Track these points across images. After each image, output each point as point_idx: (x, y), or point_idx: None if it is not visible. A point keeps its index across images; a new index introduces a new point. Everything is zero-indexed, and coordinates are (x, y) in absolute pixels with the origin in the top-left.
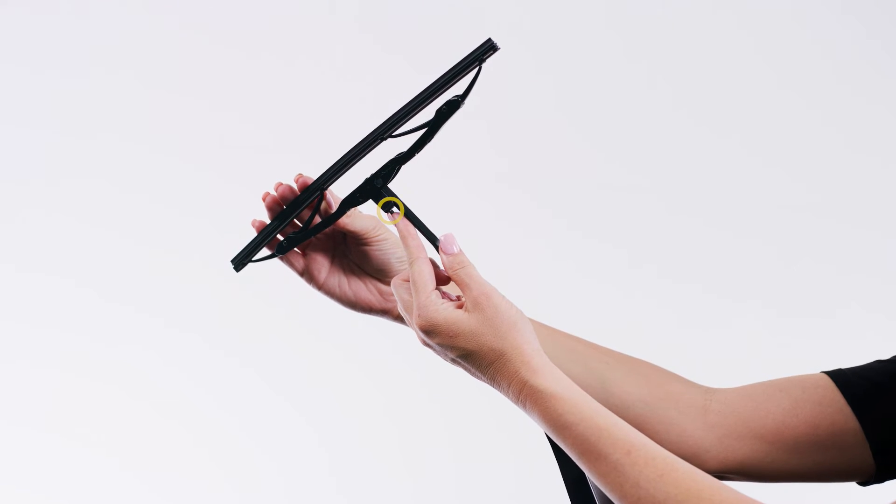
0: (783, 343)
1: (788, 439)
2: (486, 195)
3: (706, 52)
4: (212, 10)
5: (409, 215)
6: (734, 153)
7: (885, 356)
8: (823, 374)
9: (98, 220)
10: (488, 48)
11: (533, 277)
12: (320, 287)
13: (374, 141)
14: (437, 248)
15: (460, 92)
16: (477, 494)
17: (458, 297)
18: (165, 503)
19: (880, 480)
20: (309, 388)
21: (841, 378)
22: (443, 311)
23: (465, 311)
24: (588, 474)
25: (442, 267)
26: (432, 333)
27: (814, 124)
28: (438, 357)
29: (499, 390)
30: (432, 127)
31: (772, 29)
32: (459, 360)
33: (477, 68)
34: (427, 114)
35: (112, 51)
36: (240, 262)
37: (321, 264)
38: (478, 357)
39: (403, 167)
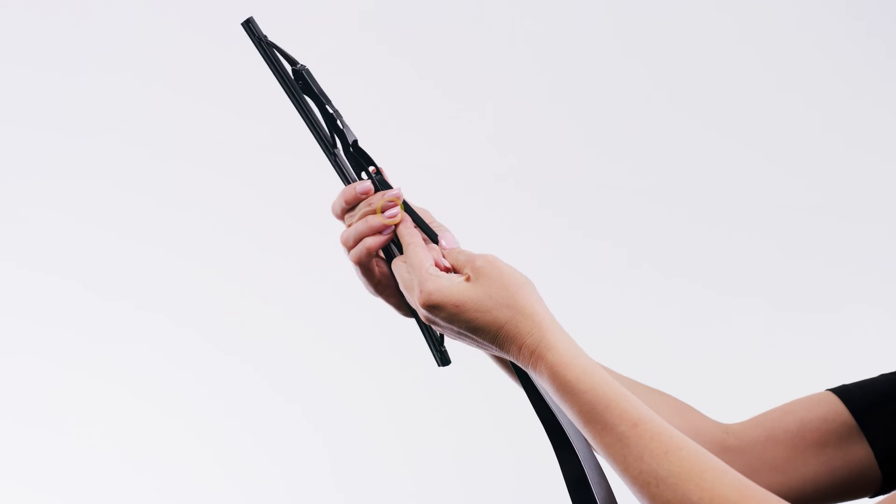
0: (783, 340)
1: (800, 466)
2: (485, 195)
3: (706, 52)
4: (212, 10)
5: (408, 210)
6: (734, 152)
7: (889, 362)
8: (827, 391)
9: (99, 220)
10: (250, 28)
11: (532, 277)
12: (381, 294)
13: (333, 156)
14: (436, 241)
15: (289, 66)
16: (477, 494)
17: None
18: (166, 501)
19: (886, 490)
20: (309, 387)
21: (845, 393)
22: (445, 283)
23: (469, 281)
24: (591, 443)
25: (442, 260)
26: (437, 308)
27: (813, 124)
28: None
29: (507, 355)
30: (316, 98)
31: (772, 29)
32: (465, 333)
33: (267, 47)
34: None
35: (112, 51)
36: (442, 357)
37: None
38: (485, 326)
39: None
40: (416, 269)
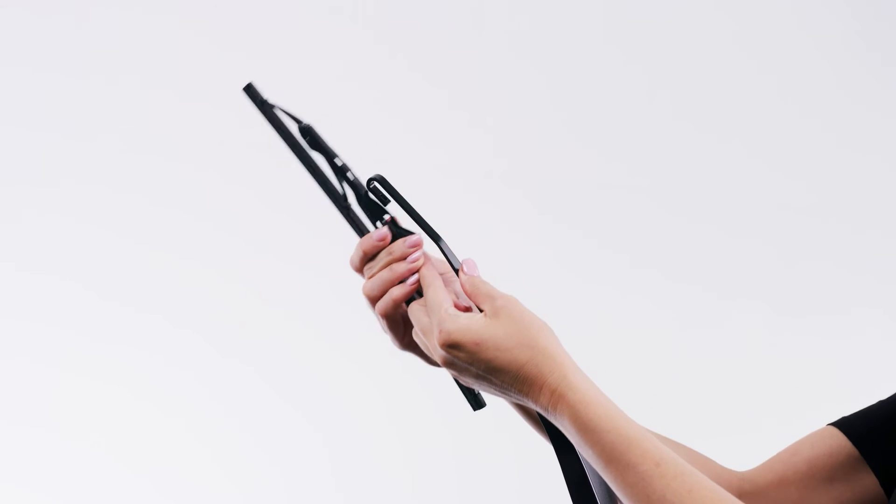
0: (783, 342)
1: None
2: (484, 195)
3: (706, 54)
4: (212, 11)
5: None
6: (734, 154)
7: (890, 364)
8: (829, 426)
9: (99, 221)
10: (251, 93)
11: (533, 279)
12: (409, 347)
13: (345, 210)
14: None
15: (293, 124)
16: (477, 495)
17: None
18: (166, 501)
19: None
20: (309, 387)
21: (846, 425)
22: (464, 321)
23: (488, 318)
24: (612, 483)
25: (460, 292)
26: (456, 347)
27: (813, 127)
28: (462, 375)
29: (526, 399)
30: (324, 152)
31: (773, 32)
32: (485, 375)
33: (269, 108)
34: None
35: (113, 52)
36: (476, 400)
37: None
38: (505, 365)
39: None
40: (435, 310)
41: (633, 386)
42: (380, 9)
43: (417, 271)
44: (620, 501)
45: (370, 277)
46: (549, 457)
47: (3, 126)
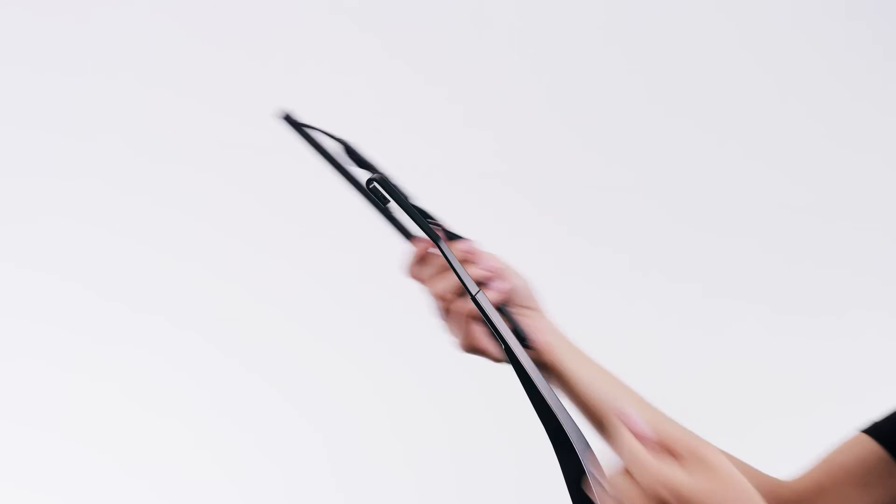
0: (782, 342)
1: None
2: (485, 197)
3: (706, 55)
4: (212, 11)
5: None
6: (733, 154)
7: (892, 366)
8: (859, 433)
9: (99, 221)
10: (290, 121)
11: (532, 281)
12: (471, 349)
13: (392, 219)
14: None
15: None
16: (477, 494)
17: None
18: (166, 501)
19: None
20: (309, 388)
21: (875, 430)
22: (701, 479)
23: (710, 475)
24: None
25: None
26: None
27: (814, 126)
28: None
29: None
30: (366, 166)
31: (773, 31)
32: None
33: (305, 132)
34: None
35: (113, 52)
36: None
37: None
38: None
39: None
40: (647, 463)
41: (632, 387)
42: (379, 9)
43: (493, 278)
44: None
45: (423, 281)
46: (548, 456)
47: (3, 126)
